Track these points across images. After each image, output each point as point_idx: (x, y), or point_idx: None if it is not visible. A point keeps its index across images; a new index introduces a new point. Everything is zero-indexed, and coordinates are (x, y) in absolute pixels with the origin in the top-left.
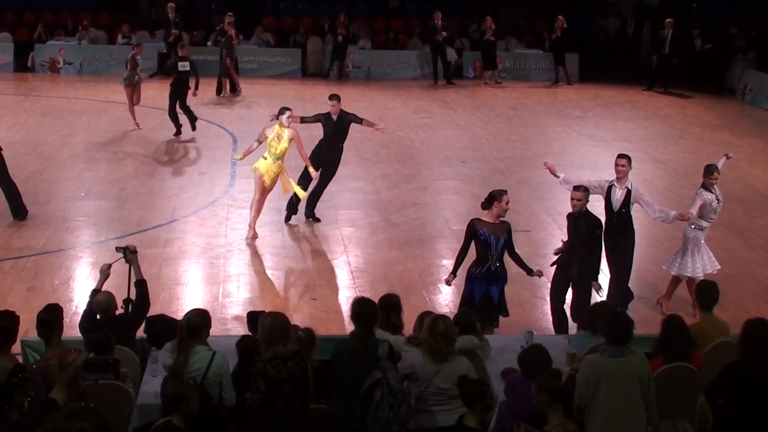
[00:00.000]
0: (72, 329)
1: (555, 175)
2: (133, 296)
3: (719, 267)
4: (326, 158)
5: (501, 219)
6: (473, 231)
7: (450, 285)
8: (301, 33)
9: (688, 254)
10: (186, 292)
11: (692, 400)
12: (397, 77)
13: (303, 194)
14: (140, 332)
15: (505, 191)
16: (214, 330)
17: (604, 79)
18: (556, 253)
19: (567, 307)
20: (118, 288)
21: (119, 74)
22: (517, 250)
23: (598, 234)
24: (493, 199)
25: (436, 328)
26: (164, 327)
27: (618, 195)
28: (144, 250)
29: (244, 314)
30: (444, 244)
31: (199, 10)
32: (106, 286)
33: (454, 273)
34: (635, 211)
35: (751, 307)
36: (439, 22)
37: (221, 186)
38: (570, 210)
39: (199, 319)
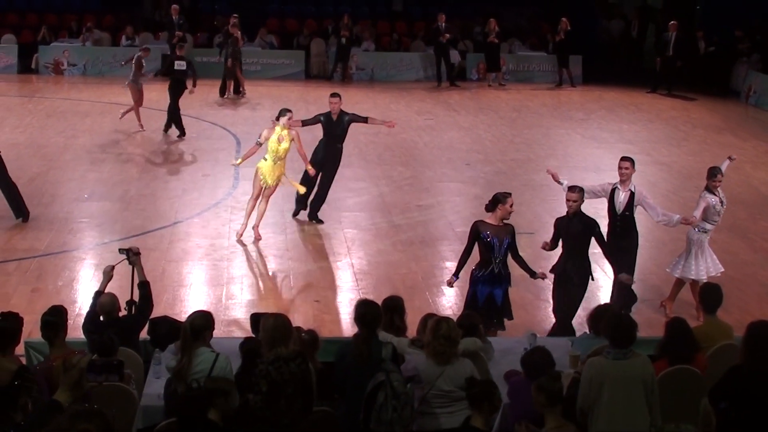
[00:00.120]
0: (75, 330)
1: (558, 182)
2: (136, 298)
3: (723, 270)
4: (326, 159)
5: (505, 221)
6: (477, 233)
7: (452, 286)
8: (304, 35)
9: (692, 257)
10: (189, 294)
11: (696, 402)
12: (400, 79)
13: (302, 189)
14: (143, 334)
15: (510, 194)
16: (218, 332)
17: (607, 81)
18: (544, 247)
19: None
20: (122, 290)
21: (123, 76)
22: (520, 253)
23: (598, 231)
24: (497, 201)
25: (440, 330)
26: (168, 329)
27: (621, 198)
28: (147, 251)
29: (248, 316)
30: (447, 246)
31: (202, 12)
32: (110, 288)
33: (456, 275)
34: (638, 213)
35: (755, 309)
36: (443, 24)
37: (224, 188)
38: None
39: (203, 320)
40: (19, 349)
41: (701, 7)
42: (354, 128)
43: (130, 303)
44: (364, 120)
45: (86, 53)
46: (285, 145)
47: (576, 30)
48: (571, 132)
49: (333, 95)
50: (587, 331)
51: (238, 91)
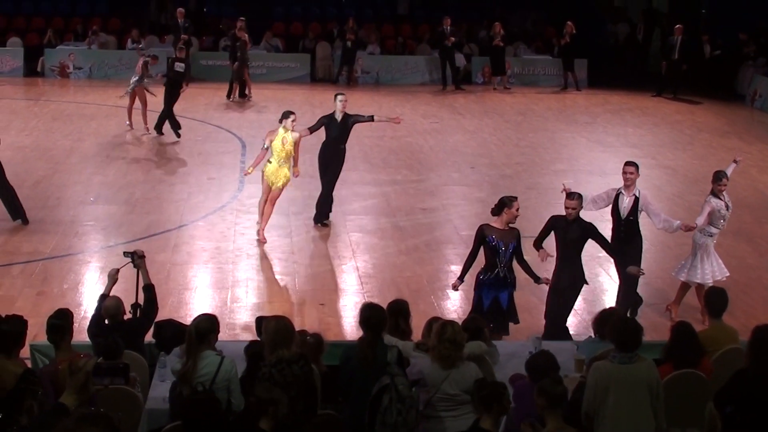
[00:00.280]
0: (81, 334)
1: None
2: (141, 301)
3: (728, 274)
4: (329, 160)
5: (510, 225)
6: (482, 237)
7: (457, 290)
8: (310, 38)
9: (698, 261)
10: (194, 297)
11: (701, 407)
12: (405, 83)
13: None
14: (149, 337)
15: (516, 198)
16: (223, 335)
17: (612, 84)
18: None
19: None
20: (127, 293)
21: (129, 79)
22: (525, 257)
23: (598, 232)
24: (503, 205)
25: (445, 333)
26: (173, 332)
27: (626, 202)
28: (152, 255)
29: (253, 319)
30: (452, 249)
31: (208, 15)
32: (115, 291)
33: (461, 278)
34: (643, 218)
35: (761, 313)
36: (448, 27)
37: (230, 191)
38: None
39: (208, 324)
40: (25, 352)
41: (707, 11)
42: (359, 131)
43: (135, 306)
44: (370, 119)
45: (92, 56)
46: (288, 147)
47: (581, 33)
48: (577, 135)
49: (340, 94)
50: (592, 335)
51: (244, 95)
